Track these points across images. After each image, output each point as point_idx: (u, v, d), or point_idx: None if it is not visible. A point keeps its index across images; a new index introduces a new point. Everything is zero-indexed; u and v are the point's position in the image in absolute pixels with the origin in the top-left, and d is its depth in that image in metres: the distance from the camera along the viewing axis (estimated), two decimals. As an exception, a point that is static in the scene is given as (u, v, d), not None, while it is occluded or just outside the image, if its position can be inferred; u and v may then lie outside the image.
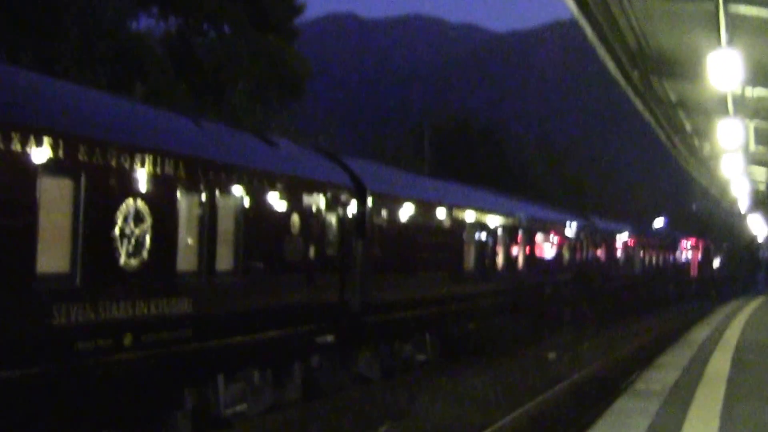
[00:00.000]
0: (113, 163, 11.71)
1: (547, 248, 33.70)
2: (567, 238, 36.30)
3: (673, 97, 18.34)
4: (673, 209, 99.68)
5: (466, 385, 22.48)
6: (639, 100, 17.71)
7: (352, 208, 18.93)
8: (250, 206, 14.96)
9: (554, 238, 34.52)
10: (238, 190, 14.59)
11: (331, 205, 17.98)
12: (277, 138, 18.03)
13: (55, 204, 11.05)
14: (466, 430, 17.41)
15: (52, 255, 10.97)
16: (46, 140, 10.66)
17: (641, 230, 54.27)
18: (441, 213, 23.56)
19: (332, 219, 18.10)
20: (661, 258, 57.27)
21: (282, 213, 16.07)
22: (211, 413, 14.71)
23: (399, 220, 21.04)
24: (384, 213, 20.25)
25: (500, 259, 28.36)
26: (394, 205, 20.74)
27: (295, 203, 16.48)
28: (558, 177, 77.67)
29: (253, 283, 15.06)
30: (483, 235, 26.59)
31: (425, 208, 22.37)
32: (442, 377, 22.84)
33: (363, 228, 19.26)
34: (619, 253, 46.14)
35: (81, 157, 11.19)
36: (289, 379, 17.31)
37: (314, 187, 17.32)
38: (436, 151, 60.90)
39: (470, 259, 25.82)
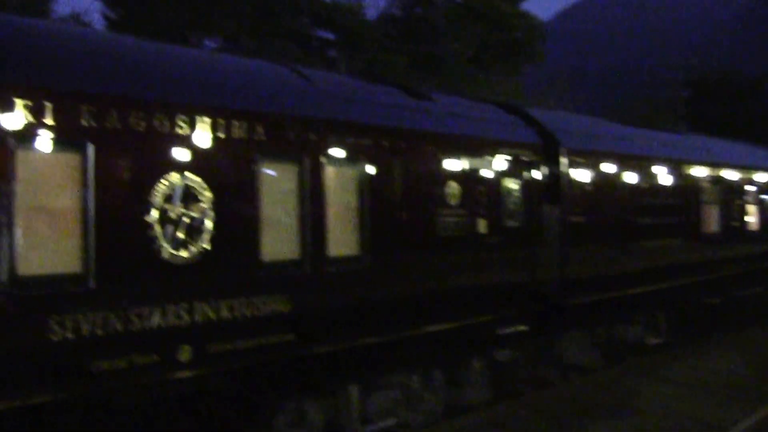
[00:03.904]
0: (141, 127, 8.43)
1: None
2: None
3: None
4: None
5: (708, 370, 17.86)
6: None
7: (542, 170, 14.87)
8: (382, 174, 11.33)
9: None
10: (361, 154, 11.00)
11: (512, 167, 14.01)
12: (433, 92, 14.23)
13: (49, 183, 7.92)
14: (698, 433, 13.11)
15: (49, 252, 7.85)
16: (21, 102, 7.55)
17: None
18: (668, 170, 18.86)
19: (513, 184, 14.12)
20: None
21: (434, 180, 12.33)
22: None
23: (608, 180, 16.64)
24: (586, 173, 15.97)
25: (754, 220, 23.13)
26: (599, 163, 16.36)
27: (453, 167, 12.68)
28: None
29: (390, 269, 11.41)
30: (729, 194, 21.55)
31: (644, 165, 17.82)
32: (676, 362, 18.30)
33: (557, 192, 15.14)
34: None
35: (85, 122, 7.98)
36: (466, 379, 13.59)
37: (483, 146, 13.44)
38: (697, 107, 54.55)
39: (712, 221, 20.85)
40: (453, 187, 12.63)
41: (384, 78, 18.44)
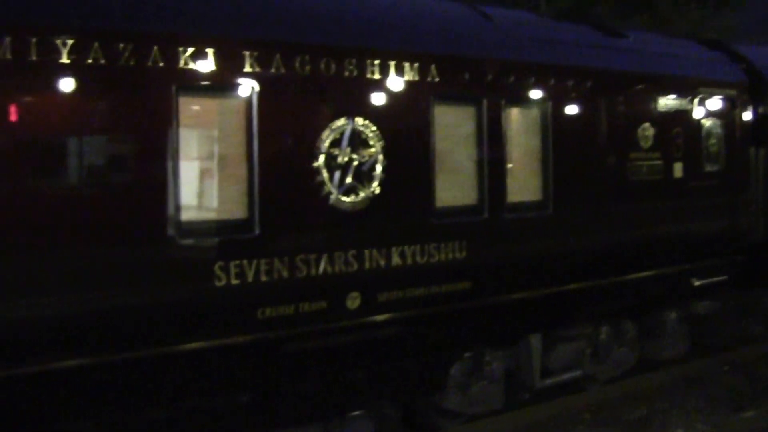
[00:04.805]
0: (307, 72, 8.17)
1: None
2: None
3: None
4: None
5: None
6: None
7: (748, 109, 13.76)
8: (567, 117, 10.71)
9: None
10: (544, 96, 10.39)
11: (713, 107, 13.02)
12: (630, 29, 13.36)
13: (213, 129, 7.82)
14: None
15: (213, 198, 7.77)
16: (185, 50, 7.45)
17: None
18: None
19: (714, 125, 13.11)
20: None
21: (624, 122, 11.58)
22: (525, 384, 10.86)
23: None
24: (798, 113, 14.65)
25: None
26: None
27: (647, 108, 11.88)
28: None
29: (575, 216, 10.79)
30: None
31: None
32: None
33: (765, 134, 13.99)
34: None
35: (249, 68, 7.80)
36: (661, 332, 12.86)
37: (681, 85, 12.51)
38: None
39: None
40: (646, 129, 11.83)
41: (579, 16, 17.58)
